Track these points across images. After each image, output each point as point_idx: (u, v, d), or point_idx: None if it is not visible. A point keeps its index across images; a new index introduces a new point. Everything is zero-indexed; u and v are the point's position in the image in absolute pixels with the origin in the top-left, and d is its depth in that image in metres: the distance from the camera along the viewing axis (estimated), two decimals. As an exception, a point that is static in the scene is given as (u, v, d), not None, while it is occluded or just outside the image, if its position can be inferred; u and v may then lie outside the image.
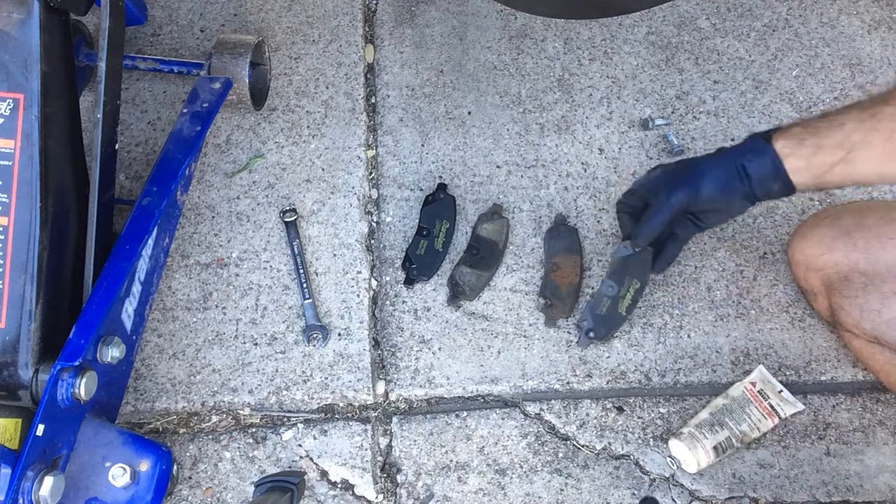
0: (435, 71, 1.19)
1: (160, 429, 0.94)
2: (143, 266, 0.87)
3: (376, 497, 0.90)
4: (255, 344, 0.97)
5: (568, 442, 0.94)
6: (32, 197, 0.77)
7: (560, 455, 0.93)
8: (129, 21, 1.18)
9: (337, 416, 0.95)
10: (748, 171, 0.84)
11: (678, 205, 0.87)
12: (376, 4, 1.26)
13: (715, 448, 0.89)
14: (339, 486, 0.91)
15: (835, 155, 0.79)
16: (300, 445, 0.93)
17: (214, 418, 0.95)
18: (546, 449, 0.93)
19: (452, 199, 1.06)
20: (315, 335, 0.97)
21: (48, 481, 0.72)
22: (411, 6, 1.25)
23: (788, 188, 0.83)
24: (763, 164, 0.83)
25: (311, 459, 0.92)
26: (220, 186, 1.08)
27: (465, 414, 0.95)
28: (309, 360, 0.97)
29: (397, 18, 1.24)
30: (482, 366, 0.97)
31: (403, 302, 1.01)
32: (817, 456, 0.93)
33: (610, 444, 0.93)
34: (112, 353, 0.80)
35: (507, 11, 1.24)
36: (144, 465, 0.80)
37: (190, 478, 0.91)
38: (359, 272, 1.03)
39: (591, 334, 0.95)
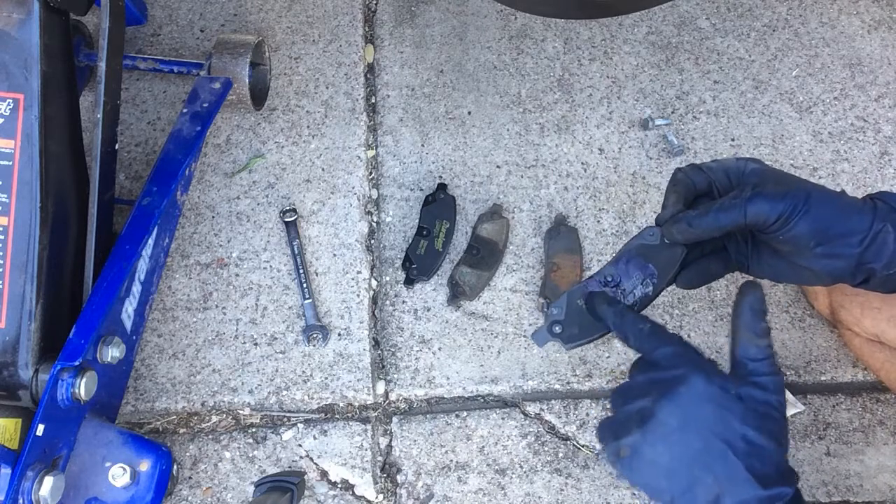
0: (435, 71, 1.19)
1: (160, 429, 0.94)
2: (143, 266, 0.87)
3: (376, 497, 0.90)
4: (255, 344, 0.98)
5: (568, 442, 0.94)
6: (32, 197, 0.77)
7: (560, 455, 0.93)
8: (129, 21, 1.18)
9: (337, 416, 0.95)
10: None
11: (771, 215, 0.65)
12: (376, 4, 1.26)
13: (715, 448, 0.89)
14: (339, 486, 0.91)
15: None
16: (300, 445, 0.93)
17: (214, 418, 0.95)
18: (546, 449, 0.93)
19: (452, 199, 1.06)
20: (315, 335, 0.97)
21: (48, 481, 0.72)
22: (411, 6, 1.25)
23: None
24: None
25: (311, 459, 0.92)
26: (220, 186, 1.08)
27: (465, 414, 0.95)
28: (309, 360, 0.97)
29: (397, 18, 1.24)
30: (482, 366, 0.97)
31: (403, 302, 1.01)
32: (817, 456, 0.93)
33: (610, 443, 0.93)
34: (112, 353, 0.80)
35: (507, 11, 1.24)
36: (144, 465, 0.80)
37: (190, 478, 0.91)
38: (359, 272, 1.03)
39: (557, 329, 0.71)
